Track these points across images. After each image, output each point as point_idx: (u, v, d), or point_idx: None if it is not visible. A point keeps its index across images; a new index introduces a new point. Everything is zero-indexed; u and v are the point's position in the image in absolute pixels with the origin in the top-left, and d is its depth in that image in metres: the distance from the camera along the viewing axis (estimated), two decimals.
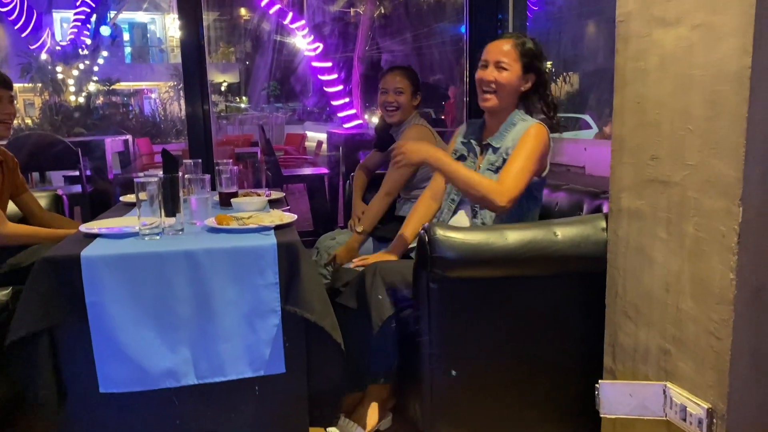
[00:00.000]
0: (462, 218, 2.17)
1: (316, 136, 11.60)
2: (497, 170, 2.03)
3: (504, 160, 2.02)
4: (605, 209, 1.91)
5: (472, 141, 2.22)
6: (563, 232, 1.79)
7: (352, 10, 12.43)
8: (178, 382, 1.77)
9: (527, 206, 2.08)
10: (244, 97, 23.04)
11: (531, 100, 2.13)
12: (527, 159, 1.97)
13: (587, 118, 14.04)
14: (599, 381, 1.69)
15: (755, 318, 1.31)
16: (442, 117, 8.84)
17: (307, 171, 4.94)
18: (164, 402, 1.80)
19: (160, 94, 20.33)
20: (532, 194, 2.07)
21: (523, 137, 1.99)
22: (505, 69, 2.02)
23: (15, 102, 2.36)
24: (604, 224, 1.80)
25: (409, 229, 2.28)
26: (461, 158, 2.22)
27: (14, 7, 15.78)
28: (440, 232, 1.75)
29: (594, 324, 1.82)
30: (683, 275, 1.44)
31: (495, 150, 2.08)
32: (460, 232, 1.78)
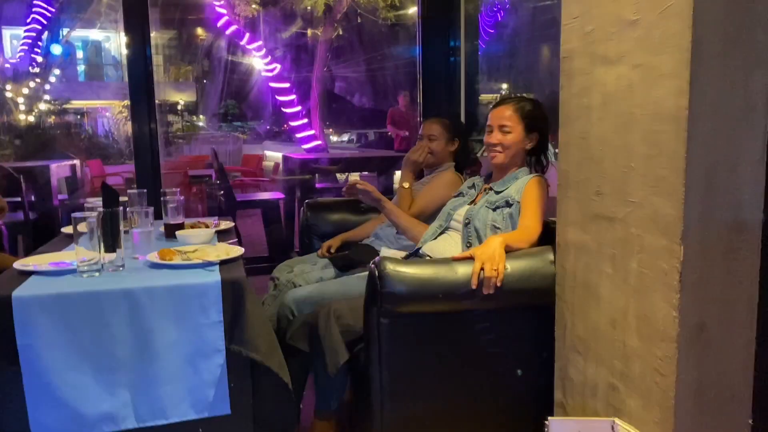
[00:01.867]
0: (446, 241, 2.20)
1: (274, 156, 11.50)
2: (495, 209, 2.10)
3: (507, 203, 2.09)
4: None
5: (476, 183, 2.35)
6: (512, 265, 1.79)
7: (309, 31, 12.45)
8: (117, 426, 1.69)
9: None
10: (201, 116, 22.76)
11: (534, 157, 2.26)
12: (537, 203, 2.04)
13: None
14: (548, 418, 1.67)
15: (698, 355, 1.32)
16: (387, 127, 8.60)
17: (263, 196, 4.87)
18: None
19: (114, 113, 19.94)
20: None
21: (529, 187, 2.08)
22: (508, 132, 2.15)
23: None
24: (552, 257, 1.80)
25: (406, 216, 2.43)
26: (459, 195, 2.34)
27: None
28: (390, 267, 1.73)
29: (545, 358, 1.82)
30: (629, 311, 1.45)
31: (497, 193, 2.17)
32: (411, 266, 1.76)
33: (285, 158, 4.82)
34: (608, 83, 1.48)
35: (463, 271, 1.76)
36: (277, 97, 10.28)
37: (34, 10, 15.98)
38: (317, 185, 4.80)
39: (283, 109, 10.32)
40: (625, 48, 1.41)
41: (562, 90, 1.67)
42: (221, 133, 19.61)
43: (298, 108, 10.20)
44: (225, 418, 1.77)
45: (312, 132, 10.40)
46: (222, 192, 4.59)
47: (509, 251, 1.83)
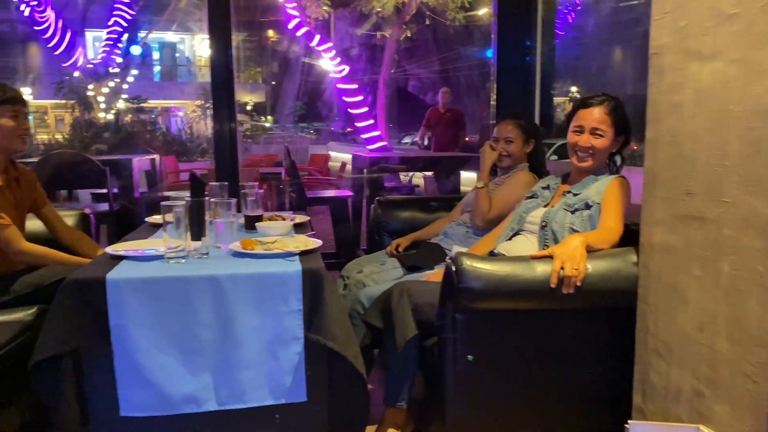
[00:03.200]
0: (521, 242, 2.17)
1: (339, 156, 11.65)
2: (574, 211, 2.06)
3: (586, 205, 2.04)
4: (635, 243, 1.87)
5: (551, 185, 2.29)
6: (593, 265, 1.75)
7: (378, 33, 12.53)
8: (198, 407, 1.76)
9: None
10: (269, 117, 23.30)
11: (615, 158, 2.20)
12: (619, 203, 2.00)
13: None
14: (629, 421, 1.63)
15: None
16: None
17: (331, 193, 4.94)
18: (184, 428, 1.78)
19: (187, 112, 20.64)
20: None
21: (611, 189, 2.03)
22: (600, 136, 2.09)
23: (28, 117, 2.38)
24: (635, 258, 1.76)
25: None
26: (532, 196, 2.29)
27: (49, 26, 16.24)
28: (468, 262, 1.73)
29: (622, 361, 1.77)
30: (719, 315, 1.40)
31: (575, 195, 2.11)
32: (488, 262, 1.75)
33: (354, 157, 4.88)
34: (702, 79, 1.43)
35: (542, 269, 1.74)
36: (345, 99, 10.41)
37: (115, 13, 16.75)
38: (386, 184, 4.85)
39: (350, 110, 10.45)
40: (722, 43, 1.37)
41: (651, 87, 1.63)
42: (288, 133, 20.02)
43: (365, 109, 10.30)
44: (300, 405, 1.81)
45: (378, 132, 10.48)
46: (293, 189, 4.68)
47: (589, 251, 1.80)
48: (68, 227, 2.60)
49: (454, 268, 1.74)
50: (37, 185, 2.51)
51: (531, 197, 2.32)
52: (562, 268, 1.72)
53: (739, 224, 1.33)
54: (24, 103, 2.34)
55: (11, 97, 2.27)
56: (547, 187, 2.31)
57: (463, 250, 2.48)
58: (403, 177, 8.49)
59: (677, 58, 1.52)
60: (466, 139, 9.19)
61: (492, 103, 3.41)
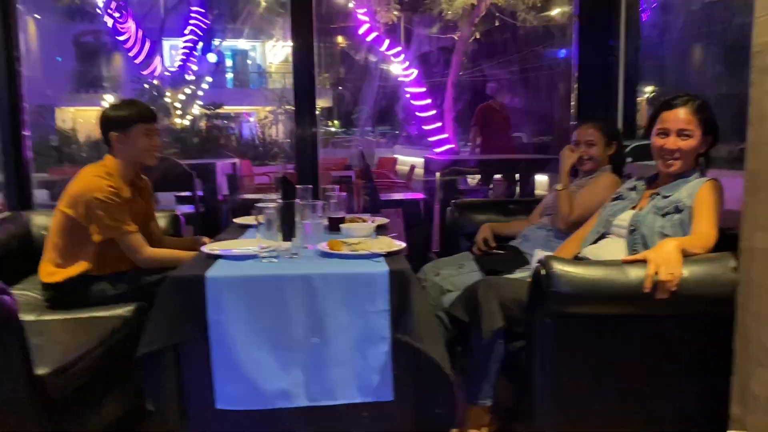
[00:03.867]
0: (608, 246, 2.12)
1: (406, 160, 11.69)
2: (664, 215, 2.00)
3: (676, 208, 1.99)
4: (733, 247, 1.80)
5: (638, 186, 2.22)
6: (690, 270, 1.70)
7: (455, 34, 12.49)
8: (290, 402, 1.81)
9: None
10: (335, 121, 23.64)
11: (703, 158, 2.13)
12: (712, 207, 1.94)
13: None
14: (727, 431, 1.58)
15: None
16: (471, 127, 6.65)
17: (404, 196, 4.98)
18: (276, 423, 1.84)
19: (259, 118, 21.17)
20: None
21: (704, 192, 1.97)
22: (688, 137, 2.02)
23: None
24: (733, 263, 1.70)
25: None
26: (617, 198, 2.24)
27: (129, 36, 17.02)
28: (558, 266, 1.71)
29: (719, 369, 1.71)
30: None
31: (664, 197, 2.05)
32: (580, 266, 1.73)
33: (427, 159, 4.90)
34: None
35: (635, 273, 1.70)
36: (413, 102, 10.45)
37: (191, 22, 17.40)
38: (459, 187, 4.85)
39: (417, 114, 10.48)
40: None
41: (754, 87, 1.57)
42: (355, 137, 20.25)
43: (433, 112, 10.31)
44: (388, 405, 1.84)
45: (445, 135, 10.46)
46: (367, 191, 4.74)
47: (684, 256, 1.75)
48: (163, 237, 2.71)
49: (543, 272, 1.73)
50: (151, 198, 2.64)
51: (617, 199, 2.26)
52: (656, 272, 1.68)
53: None
54: (156, 119, 2.46)
55: (146, 116, 2.39)
56: (634, 189, 2.24)
57: (546, 253, 2.45)
58: (471, 180, 8.44)
59: None
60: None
61: (572, 104, 3.34)
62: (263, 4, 14.43)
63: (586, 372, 1.81)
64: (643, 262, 1.73)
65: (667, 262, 1.69)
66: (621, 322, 1.79)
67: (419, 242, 4.72)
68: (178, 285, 1.78)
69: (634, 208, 2.15)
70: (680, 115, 2.03)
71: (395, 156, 13.31)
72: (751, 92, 1.59)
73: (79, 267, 2.34)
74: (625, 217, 2.13)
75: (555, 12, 10.26)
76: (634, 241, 2.03)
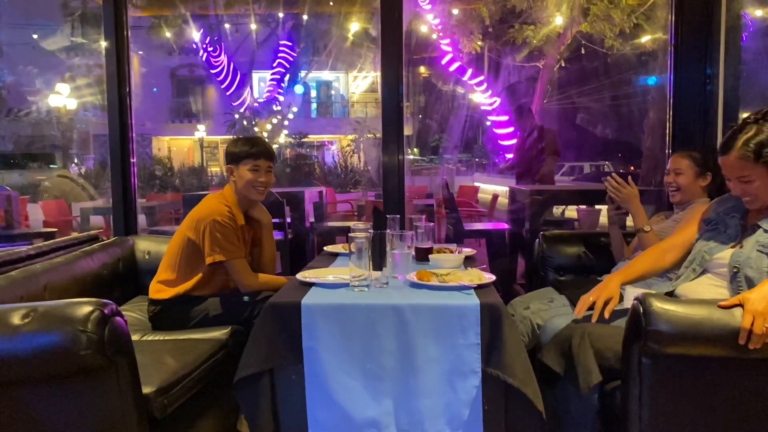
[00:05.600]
0: (704, 284, 2.01)
1: (487, 188, 11.62)
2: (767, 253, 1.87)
3: None
4: None
5: (735, 216, 2.07)
6: None
7: (540, 62, 12.42)
8: None
9: None
10: (415, 149, 23.84)
11: None
12: None
13: None
14: None
15: None
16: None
17: (488, 226, 4.94)
18: None
19: (341, 146, 21.68)
20: None
21: None
22: (748, 182, 1.89)
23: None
24: None
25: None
26: (715, 229, 2.09)
27: (222, 69, 17.94)
28: (657, 304, 1.65)
29: None
30: None
31: (765, 232, 1.91)
32: (681, 305, 1.66)
33: (512, 190, 4.86)
34: None
35: (740, 314, 1.62)
36: (495, 131, 10.40)
37: (279, 55, 18.15)
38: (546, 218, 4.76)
39: (500, 142, 10.42)
40: None
41: None
42: (435, 165, 20.35)
43: (515, 140, 10.21)
44: None
45: None
46: (451, 221, 4.74)
47: None
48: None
49: (641, 309, 1.67)
50: (263, 227, 2.75)
51: (710, 226, 2.10)
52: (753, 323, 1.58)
53: None
54: (268, 157, 2.59)
55: (255, 152, 2.55)
56: (728, 216, 2.07)
57: (641, 290, 2.36)
58: (555, 210, 8.26)
59: None
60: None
61: (667, 133, 3.24)
62: (350, 38, 14.88)
63: (685, 416, 1.72)
64: (741, 305, 1.64)
65: (765, 314, 1.59)
66: (724, 364, 1.69)
67: (504, 273, 4.66)
68: (275, 311, 1.84)
69: (736, 245, 1.99)
70: (731, 162, 1.89)
71: (476, 184, 13.25)
72: None
73: (186, 286, 2.50)
74: (724, 256, 1.98)
75: (645, 39, 10.00)
76: (738, 284, 1.89)
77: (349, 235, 2.00)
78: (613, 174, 2.65)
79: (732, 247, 1.99)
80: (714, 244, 2.05)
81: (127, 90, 3.31)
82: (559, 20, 10.22)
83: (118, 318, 1.65)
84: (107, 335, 1.58)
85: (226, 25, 16.98)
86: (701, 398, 1.72)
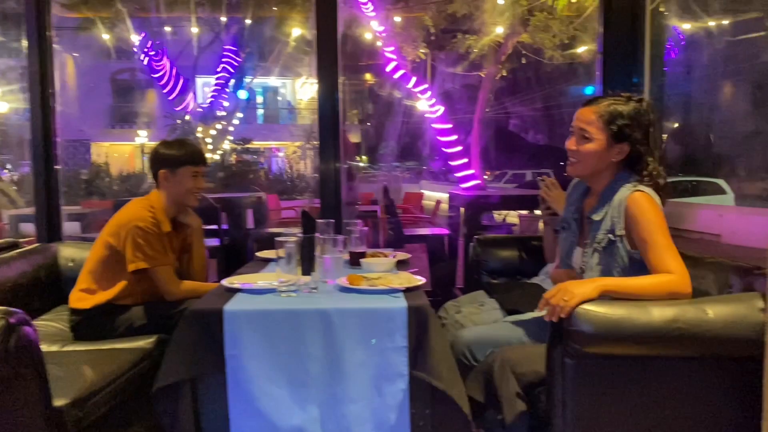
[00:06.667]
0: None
1: (433, 195, 11.72)
2: (603, 250, 1.91)
3: (610, 241, 1.89)
4: (758, 287, 1.75)
5: (571, 209, 2.11)
6: (715, 310, 1.66)
7: (480, 72, 12.64)
8: None
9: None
10: (364, 157, 23.88)
11: (638, 168, 1.95)
12: (663, 233, 1.83)
13: (721, 182, 13.20)
14: None
15: None
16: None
17: (428, 231, 4.97)
18: None
19: (288, 153, 21.51)
20: (643, 265, 1.89)
21: (636, 210, 1.84)
22: (586, 139, 1.91)
23: None
24: (761, 304, 1.65)
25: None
26: (564, 228, 2.13)
27: (164, 74, 17.54)
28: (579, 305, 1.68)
29: (746, 414, 1.65)
30: None
31: (597, 225, 1.94)
32: (602, 305, 1.69)
33: (452, 195, 4.90)
34: None
35: (659, 313, 1.66)
36: (439, 138, 10.50)
37: (223, 60, 17.87)
38: (483, 222, 4.82)
39: (444, 150, 10.52)
40: None
41: None
42: (382, 172, 20.42)
43: (459, 148, 10.34)
44: None
45: (472, 171, 10.47)
46: (391, 226, 4.75)
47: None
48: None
49: None
50: (190, 231, 2.68)
51: (563, 226, 2.13)
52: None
53: None
54: (205, 163, 2.53)
55: (196, 158, 2.47)
56: (570, 212, 2.11)
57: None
58: (497, 216, 8.39)
59: None
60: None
61: None
62: (292, 43, 14.80)
63: (608, 415, 1.75)
64: (659, 301, 1.70)
65: (568, 292, 1.66)
66: (645, 363, 1.73)
67: (444, 278, 4.69)
68: (196, 318, 1.79)
69: (583, 244, 2.03)
70: (586, 114, 1.92)
71: (422, 191, 13.35)
72: None
73: (108, 294, 2.39)
74: (577, 259, 2.03)
75: (582, 50, 10.30)
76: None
77: (276, 240, 1.96)
78: (545, 176, 2.69)
79: (579, 246, 2.05)
80: (566, 245, 2.11)
81: (51, 92, 3.17)
82: (499, 30, 10.42)
83: (26, 327, 1.57)
84: (12, 346, 1.50)
85: (168, 29, 16.62)
86: (624, 398, 1.76)
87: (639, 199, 1.86)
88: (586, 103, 1.98)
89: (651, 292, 1.75)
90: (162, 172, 2.47)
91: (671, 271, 1.78)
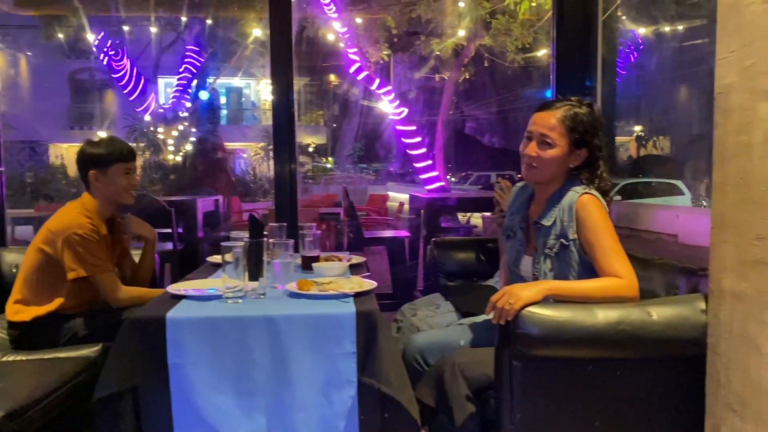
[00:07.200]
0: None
1: (398, 197, 11.73)
2: (556, 255, 1.91)
3: (562, 246, 1.90)
4: (704, 288, 1.78)
5: (517, 217, 2.10)
6: (658, 312, 1.68)
7: (437, 76, 12.72)
8: None
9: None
10: (330, 158, 23.80)
11: (583, 175, 1.96)
12: (612, 236, 1.84)
13: (679, 183, 13.53)
14: None
15: None
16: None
17: (388, 234, 4.96)
18: None
19: (251, 155, 21.28)
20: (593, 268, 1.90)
21: (584, 214, 1.85)
22: (549, 145, 1.89)
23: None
24: (703, 306, 1.67)
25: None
26: (509, 237, 2.12)
27: (125, 74, 17.20)
28: (525, 308, 1.68)
29: (691, 414, 1.68)
30: None
31: (547, 231, 1.93)
32: (548, 308, 1.70)
33: (412, 197, 4.90)
34: None
35: (604, 315, 1.67)
36: (404, 140, 10.51)
37: (186, 60, 17.62)
38: (443, 224, 4.84)
39: (409, 152, 10.54)
40: None
41: (717, 127, 1.57)
42: (348, 174, 20.37)
43: (423, 150, 10.37)
44: None
45: (436, 173, 10.51)
46: (351, 229, 4.72)
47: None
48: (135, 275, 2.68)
49: None
50: (147, 243, 2.61)
51: (508, 235, 2.13)
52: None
53: None
54: (135, 158, 2.45)
55: (125, 154, 2.39)
56: (515, 217, 2.10)
57: None
58: (462, 217, 8.44)
59: (744, 97, 1.47)
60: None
61: None
62: (250, 45, 14.67)
63: (556, 417, 1.76)
64: (611, 304, 1.71)
65: (514, 295, 1.67)
66: (591, 365, 1.74)
67: (404, 280, 4.68)
68: (137, 326, 1.74)
69: (531, 253, 2.02)
70: (547, 119, 1.89)
71: (387, 193, 13.35)
72: (715, 133, 1.59)
73: (49, 306, 2.30)
74: (526, 267, 2.03)
75: (542, 53, 10.43)
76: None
77: (223, 244, 1.92)
78: (500, 179, 2.70)
79: (527, 255, 2.04)
80: (513, 255, 2.10)
81: None
82: (462, 33, 10.49)
83: None
84: None
85: (127, 28, 16.30)
86: (571, 399, 1.77)
87: (588, 202, 1.87)
88: (541, 107, 1.97)
89: (597, 296, 1.75)
90: (92, 172, 2.37)
91: (619, 274, 1.79)
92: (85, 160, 2.38)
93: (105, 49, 16.44)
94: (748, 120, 1.45)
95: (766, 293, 1.40)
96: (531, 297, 1.68)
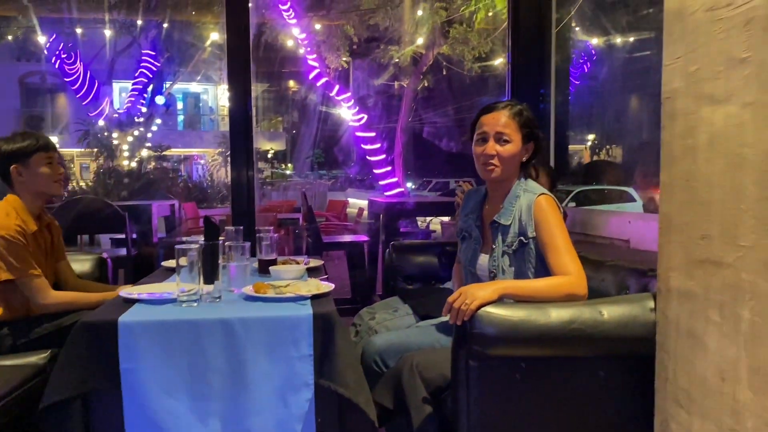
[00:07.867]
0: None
1: (358, 203, 11.72)
2: (514, 252, 1.96)
3: (521, 243, 1.95)
4: (653, 288, 1.84)
5: (472, 217, 2.15)
6: (609, 311, 1.72)
7: (396, 83, 12.81)
8: None
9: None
10: (289, 164, 23.65)
11: (528, 169, 2.08)
12: (564, 236, 1.90)
13: (631, 191, 13.89)
14: None
15: None
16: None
17: (347, 238, 4.95)
18: None
19: (209, 160, 21.01)
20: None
21: (541, 215, 1.92)
22: (507, 142, 1.97)
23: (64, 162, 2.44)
24: (652, 304, 1.72)
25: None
26: (465, 238, 2.17)
27: (78, 78, 16.81)
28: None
29: (642, 409, 1.72)
30: (740, 363, 1.35)
31: (505, 229, 1.99)
32: (503, 307, 1.72)
33: (370, 202, 4.91)
34: (715, 123, 1.43)
35: (556, 314, 1.70)
36: (363, 146, 10.54)
37: (142, 65, 17.33)
38: (402, 229, 4.86)
39: (368, 158, 10.57)
40: (734, 86, 1.36)
41: (664, 131, 1.63)
42: (307, 180, 20.28)
43: (382, 156, 10.42)
44: None
45: (395, 179, 10.57)
46: (309, 234, 4.70)
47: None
48: (78, 279, 2.61)
49: None
50: (61, 237, 2.54)
51: (463, 236, 2.18)
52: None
53: (758, 268, 1.29)
54: (55, 148, 2.39)
55: (44, 144, 2.32)
56: (469, 218, 2.16)
57: None
58: (421, 222, 8.49)
59: (689, 102, 1.52)
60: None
61: None
62: (208, 49, 14.51)
63: (512, 416, 1.78)
64: (564, 303, 1.74)
65: (471, 294, 1.70)
66: (545, 364, 1.78)
67: (363, 284, 4.68)
68: (88, 330, 1.69)
69: (487, 251, 2.07)
70: (498, 119, 1.97)
71: (347, 199, 13.32)
72: (662, 136, 1.64)
73: None
74: (483, 264, 2.07)
75: (498, 62, 10.60)
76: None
77: (177, 248, 1.89)
78: (461, 183, 2.72)
79: (484, 253, 2.08)
80: (470, 254, 2.14)
81: None
82: (420, 41, 10.59)
83: None
84: None
85: (80, 30, 15.92)
86: (527, 398, 1.79)
87: (544, 203, 1.94)
88: (486, 110, 2.03)
89: (548, 294, 1.80)
90: (13, 167, 2.28)
91: (569, 272, 1.84)
92: (3, 157, 2.29)
93: (57, 52, 16.04)
94: (693, 124, 1.50)
95: (712, 291, 1.45)
96: (487, 297, 1.70)
